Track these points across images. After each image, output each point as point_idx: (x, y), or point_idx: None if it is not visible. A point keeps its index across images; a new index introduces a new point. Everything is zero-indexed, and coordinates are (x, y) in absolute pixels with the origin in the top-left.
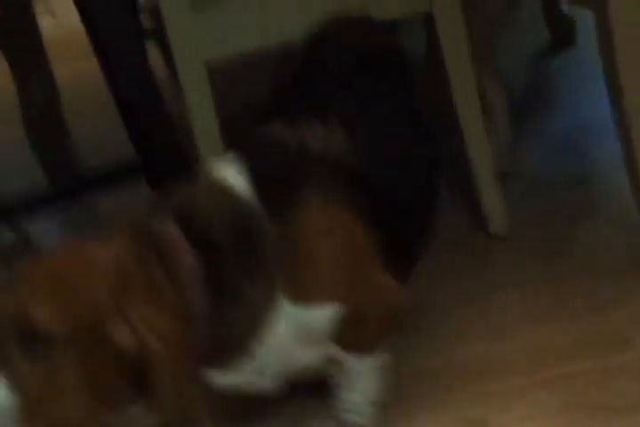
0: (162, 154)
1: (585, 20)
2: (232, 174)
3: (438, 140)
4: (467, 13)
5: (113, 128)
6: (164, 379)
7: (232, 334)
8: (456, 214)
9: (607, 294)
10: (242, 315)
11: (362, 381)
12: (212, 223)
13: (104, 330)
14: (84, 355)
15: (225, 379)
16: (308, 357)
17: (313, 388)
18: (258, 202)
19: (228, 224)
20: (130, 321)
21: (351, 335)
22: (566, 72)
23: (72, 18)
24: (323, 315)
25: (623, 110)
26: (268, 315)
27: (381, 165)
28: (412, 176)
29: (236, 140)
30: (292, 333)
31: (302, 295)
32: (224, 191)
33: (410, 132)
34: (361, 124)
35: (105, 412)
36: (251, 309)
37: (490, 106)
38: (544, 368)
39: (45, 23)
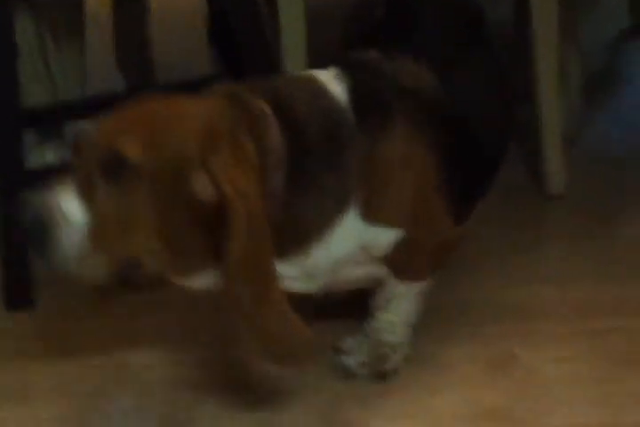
0: (251, 61)
1: None
2: (333, 82)
3: (513, 93)
4: None
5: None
6: (239, 232)
7: (297, 225)
8: (519, 171)
9: None
10: (313, 210)
11: (401, 303)
12: (305, 115)
13: (187, 175)
14: (162, 195)
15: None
16: (357, 273)
17: (351, 306)
18: (352, 113)
19: (321, 121)
20: (213, 173)
21: (404, 262)
22: None
23: None
24: (385, 237)
25: None
26: (336, 219)
27: (462, 107)
28: (488, 122)
29: (329, 60)
30: (351, 246)
31: (371, 214)
32: (324, 92)
33: (489, 81)
34: (446, 69)
35: (170, 257)
36: (323, 207)
37: (566, 74)
38: (583, 319)
39: None
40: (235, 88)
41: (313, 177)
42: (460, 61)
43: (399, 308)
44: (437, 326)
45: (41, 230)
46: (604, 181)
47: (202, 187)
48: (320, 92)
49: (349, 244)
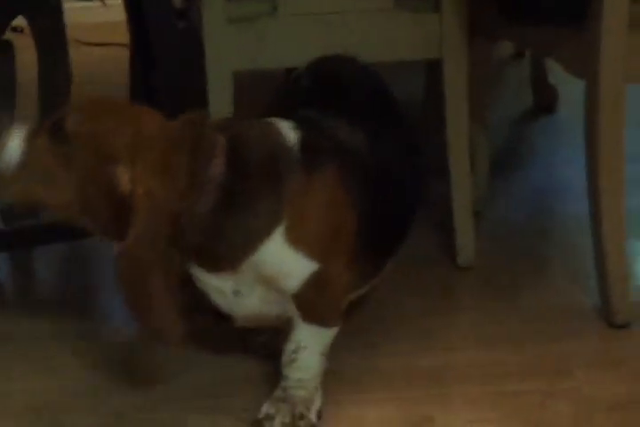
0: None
1: (566, 91)
2: (288, 129)
3: (424, 163)
4: (470, 64)
5: None
6: (136, 226)
7: (229, 242)
8: (428, 243)
9: (557, 326)
10: (243, 229)
11: (307, 357)
12: (253, 147)
13: (112, 164)
14: (85, 167)
15: (205, 281)
16: (269, 308)
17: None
18: (298, 154)
19: (266, 153)
20: (134, 172)
21: (312, 301)
22: (544, 135)
23: None
24: (301, 266)
25: (597, 171)
26: (263, 240)
27: (382, 168)
28: (401, 185)
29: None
30: (274, 268)
31: (294, 240)
32: (277, 133)
33: (404, 148)
34: (371, 133)
35: (76, 214)
36: (252, 227)
37: (474, 150)
38: (493, 383)
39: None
40: (199, 118)
41: (248, 200)
42: (381, 128)
43: (306, 363)
44: (352, 390)
45: None
46: (509, 252)
47: (122, 180)
48: (274, 132)
49: (272, 266)
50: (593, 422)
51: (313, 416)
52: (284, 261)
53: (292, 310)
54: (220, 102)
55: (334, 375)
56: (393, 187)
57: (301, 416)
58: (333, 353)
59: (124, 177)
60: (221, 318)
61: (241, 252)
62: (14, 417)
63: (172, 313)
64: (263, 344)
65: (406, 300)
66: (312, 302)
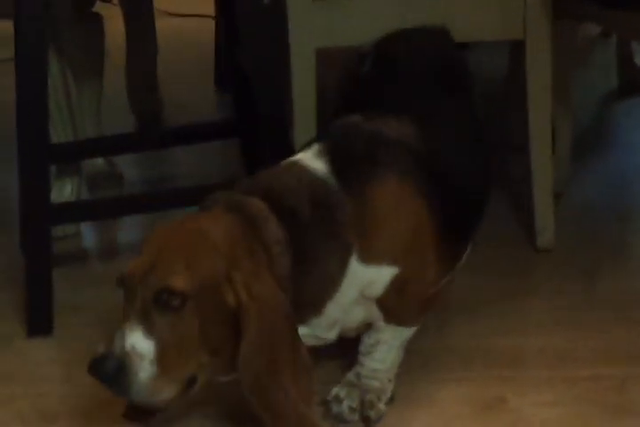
0: (265, 121)
1: None
2: (314, 160)
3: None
4: (554, 45)
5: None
6: (248, 331)
7: (310, 293)
8: (507, 225)
9: (633, 315)
10: (320, 277)
11: (385, 351)
12: (295, 200)
13: (218, 290)
14: (204, 312)
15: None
16: (357, 319)
17: (337, 354)
18: (335, 181)
19: (307, 198)
20: (234, 284)
21: (394, 304)
22: (628, 117)
23: None
24: (381, 275)
25: None
26: (341, 276)
27: (444, 156)
28: (468, 170)
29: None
30: (355, 291)
31: (368, 255)
32: (307, 173)
33: (469, 132)
34: (428, 121)
35: (214, 364)
36: (327, 271)
37: (557, 131)
38: (568, 367)
39: None
40: (231, 195)
41: (315, 250)
42: (441, 113)
43: (383, 356)
44: (429, 370)
45: (122, 373)
46: (589, 236)
47: (229, 297)
48: (303, 174)
49: (353, 289)
50: None
51: (382, 406)
52: (368, 276)
53: (374, 314)
54: (304, 79)
55: (409, 355)
56: (459, 172)
57: (371, 405)
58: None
59: (229, 293)
60: None
61: (325, 298)
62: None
63: (309, 405)
64: None
65: (484, 282)
66: (395, 303)
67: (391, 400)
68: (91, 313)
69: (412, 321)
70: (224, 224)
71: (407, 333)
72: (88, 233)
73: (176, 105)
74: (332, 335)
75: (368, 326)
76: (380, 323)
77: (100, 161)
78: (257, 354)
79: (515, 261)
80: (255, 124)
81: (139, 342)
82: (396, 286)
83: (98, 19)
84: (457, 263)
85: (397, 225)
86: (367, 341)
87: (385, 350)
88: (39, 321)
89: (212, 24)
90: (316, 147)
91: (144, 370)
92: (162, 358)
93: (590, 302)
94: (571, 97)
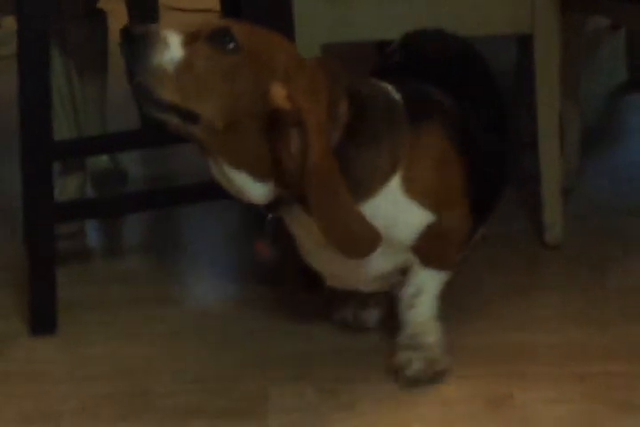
0: None
1: None
2: (393, 89)
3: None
4: (562, 39)
5: None
6: (315, 138)
7: (349, 179)
8: (515, 220)
9: None
10: (364, 168)
11: (425, 300)
12: (369, 97)
13: (267, 81)
14: (243, 80)
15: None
16: (388, 266)
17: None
18: (404, 109)
19: (382, 105)
20: (292, 89)
21: (430, 249)
22: (638, 111)
23: None
24: (417, 217)
25: None
26: (384, 180)
27: (475, 126)
28: (494, 143)
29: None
30: (389, 216)
31: (411, 189)
32: (386, 90)
33: (496, 120)
34: (458, 97)
35: (224, 136)
36: (373, 168)
37: (565, 126)
38: (574, 363)
39: None
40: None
41: (370, 142)
42: (474, 98)
43: (425, 307)
44: None
45: (143, 41)
46: (599, 232)
47: (278, 96)
48: (383, 89)
49: (390, 213)
50: None
51: (445, 357)
52: (399, 209)
53: (409, 259)
54: None
55: None
56: (487, 148)
57: (436, 360)
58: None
59: (280, 94)
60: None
61: (361, 192)
62: (103, 380)
63: (371, 225)
64: (349, 315)
65: (492, 278)
66: (431, 250)
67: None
68: (94, 311)
69: (450, 265)
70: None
71: (444, 278)
72: (92, 231)
73: None
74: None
75: (402, 279)
76: (417, 268)
77: (104, 158)
78: (326, 161)
79: (523, 258)
80: None
81: (172, 38)
82: (432, 234)
83: (102, 15)
84: (480, 229)
85: (439, 173)
86: (408, 292)
87: (426, 301)
88: (43, 320)
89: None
90: (389, 86)
91: (162, 56)
92: (180, 72)
93: (600, 298)
94: (579, 91)
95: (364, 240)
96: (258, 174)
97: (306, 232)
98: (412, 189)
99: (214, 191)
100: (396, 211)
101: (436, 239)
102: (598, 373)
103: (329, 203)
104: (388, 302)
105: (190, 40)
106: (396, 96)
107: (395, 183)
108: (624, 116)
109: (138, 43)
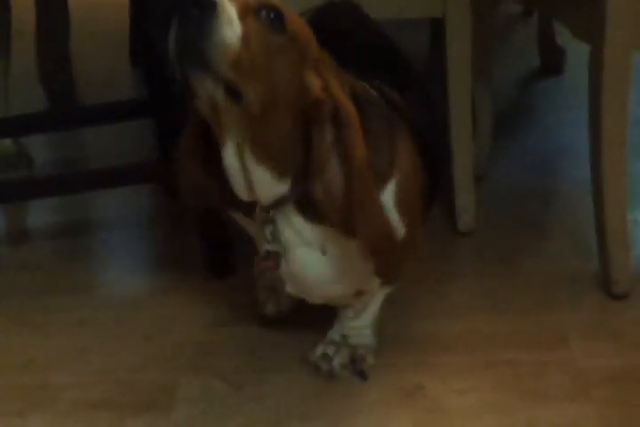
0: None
1: (574, 52)
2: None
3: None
4: (474, 23)
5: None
6: (356, 132)
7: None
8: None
9: (554, 295)
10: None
11: (370, 309)
12: (364, 98)
13: (307, 68)
14: (287, 65)
15: (299, 228)
16: (346, 276)
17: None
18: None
19: (378, 106)
20: (324, 78)
21: (391, 263)
22: (550, 97)
23: None
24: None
25: (599, 136)
26: (383, 180)
27: (420, 122)
28: (438, 138)
29: None
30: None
31: (400, 198)
32: (368, 90)
33: (427, 101)
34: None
35: (261, 120)
36: (380, 164)
37: (477, 112)
38: (486, 352)
39: None
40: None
41: (375, 137)
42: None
43: (368, 313)
44: None
45: (213, 12)
46: (510, 218)
47: (314, 86)
48: (368, 90)
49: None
50: (587, 393)
51: (373, 359)
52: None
53: (373, 282)
54: None
55: None
56: (428, 140)
57: (363, 359)
58: (324, 319)
59: (315, 83)
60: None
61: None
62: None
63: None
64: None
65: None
66: (393, 266)
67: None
68: None
69: (397, 279)
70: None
71: (389, 290)
72: None
73: (90, 82)
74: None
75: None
76: (375, 288)
77: (7, 142)
78: (365, 160)
79: (435, 244)
80: (167, 104)
81: (232, 14)
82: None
83: None
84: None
85: (419, 182)
86: (357, 307)
87: (369, 312)
88: None
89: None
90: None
91: (230, 28)
92: (243, 49)
93: (511, 285)
94: (491, 77)
95: (389, 240)
96: (280, 169)
97: (294, 234)
98: (400, 200)
99: (124, 176)
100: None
101: (400, 254)
102: (509, 361)
103: (370, 199)
104: None
105: (243, 14)
106: (379, 99)
107: (390, 189)
108: (536, 101)
109: (206, 12)
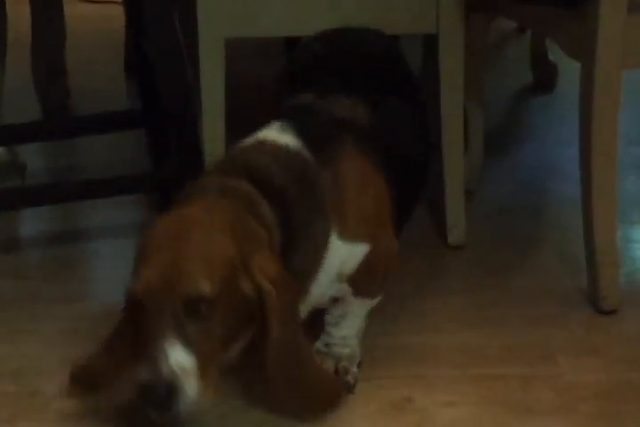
0: (168, 112)
1: (566, 69)
2: (282, 135)
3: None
4: (467, 40)
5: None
6: (275, 310)
7: (299, 272)
8: (419, 222)
9: (543, 310)
10: (308, 254)
11: (352, 319)
12: (278, 177)
13: (237, 284)
14: (227, 309)
15: None
16: (329, 294)
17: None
18: (309, 154)
19: (290, 175)
20: (251, 273)
21: (363, 279)
22: (542, 113)
23: None
24: (356, 253)
25: (590, 154)
26: (325, 252)
27: (392, 134)
28: (411, 149)
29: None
30: (335, 269)
31: (346, 232)
32: (280, 148)
33: (412, 113)
34: (377, 102)
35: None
36: (315, 247)
37: (468, 129)
38: (475, 366)
39: None
40: (219, 180)
41: (303, 227)
42: (391, 99)
43: (351, 324)
44: None
45: (174, 396)
46: (500, 234)
47: (246, 288)
48: (277, 150)
49: (334, 266)
50: (575, 408)
51: (356, 370)
52: (344, 254)
53: (343, 289)
54: (212, 70)
55: None
56: (405, 154)
57: (346, 371)
58: (319, 330)
59: (247, 283)
60: None
61: (313, 271)
62: None
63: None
64: None
65: (393, 278)
66: (364, 278)
67: (360, 365)
68: None
69: (379, 293)
70: (224, 212)
71: (373, 303)
72: None
73: (85, 93)
74: (304, 313)
75: (335, 300)
76: (350, 297)
77: (1, 150)
78: (287, 335)
79: (426, 258)
80: (160, 115)
81: (181, 358)
82: (366, 262)
83: (1, 4)
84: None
85: (366, 202)
86: (335, 312)
87: (352, 319)
88: None
89: (122, 10)
90: (276, 124)
91: (192, 387)
92: (201, 368)
93: (500, 300)
94: (483, 93)
95: (331, 393)
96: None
97: None
98: (346, 232)
99: (116, 186)
100: (341, 256)
101: (367, 268)
102: (498, 375)
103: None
104: None
105: (178, 330)
106: (293, 143)
107: (334, 236)
108: (528, 117)
109: (168, 404)
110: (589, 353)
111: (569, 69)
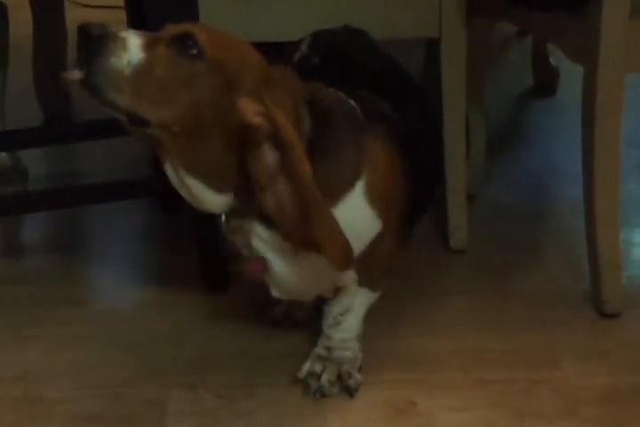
0: None
1: (568, 72)
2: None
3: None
4: (469, 43)
5: None
6: (299, 156)
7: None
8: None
9: (546, 314)
10: (329, 178)
11: (350, 319)
12: (330, 106)
13: (234, 95)
14: (205, 90)
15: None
16: (329, 279)
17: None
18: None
19: (343, 113)
20: (265, 104)
21: (369, 265)
22: (544, 117)
23: None
24: (372, 226)
25: (592, 157)
26: (347, 190)
27: (410, 131)
28: (428, 148)
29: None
30: (350, 223)
31: (372, 196)
32: (341, 96)
33: (426, 119)
34: (395, 101)
35: (184, 146)
36: (338, 177)
37: (470, 132)
38: (478, 370)
39: None
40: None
41: (334, 153)
42: (403, 99)
43: (351, 325)
44: None
45: (101, 42)
46: (503, 237)
47: (247, 111)
48: (340, 96)
49: (349, 222)
50: (578, 412)
51: (359, 375)
52: (361, 217)
53: (349, 276)
54: None
55: None
56: (421, 151)
57: (349, 375)
58: (318, 333)
59: (250, 109)
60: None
61: (333, 197)
62: None
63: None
64: (282, 315)
65: (396, 282)
66: (370, 265)
67: (360, 369)
68: None
69: (380, 285)
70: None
71: (373, 298)
72: None
73: (86, 99)
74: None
75: (338, 290)
76: (354, 286)
77: (3, 156)
78: (309, 180)
79: (427, 262)
80: None
81: (131, 40)
82: (375, 243)
83: (2, 8)
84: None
85: (393, 180)
86: (335, 310)
87: (352, 319)
88: None
89: (125, 15)
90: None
91: (119, 59)
92: (137, 76)
93: (503, 304)
94: (484, 97)
95: (346, 247)
96: (217, 185)
97: (262, 242)
98: (372, 196)
99: (119, 191)
100: (356, 219)
101: (375, 253)
102: (501, 379)
103: (321, 212)
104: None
105: (152, 44)
106: (352, 103)
107: (359, 188)
108: (530, 121)
109: (95, 43)
110: (593, 356)
111: (570, 73)
